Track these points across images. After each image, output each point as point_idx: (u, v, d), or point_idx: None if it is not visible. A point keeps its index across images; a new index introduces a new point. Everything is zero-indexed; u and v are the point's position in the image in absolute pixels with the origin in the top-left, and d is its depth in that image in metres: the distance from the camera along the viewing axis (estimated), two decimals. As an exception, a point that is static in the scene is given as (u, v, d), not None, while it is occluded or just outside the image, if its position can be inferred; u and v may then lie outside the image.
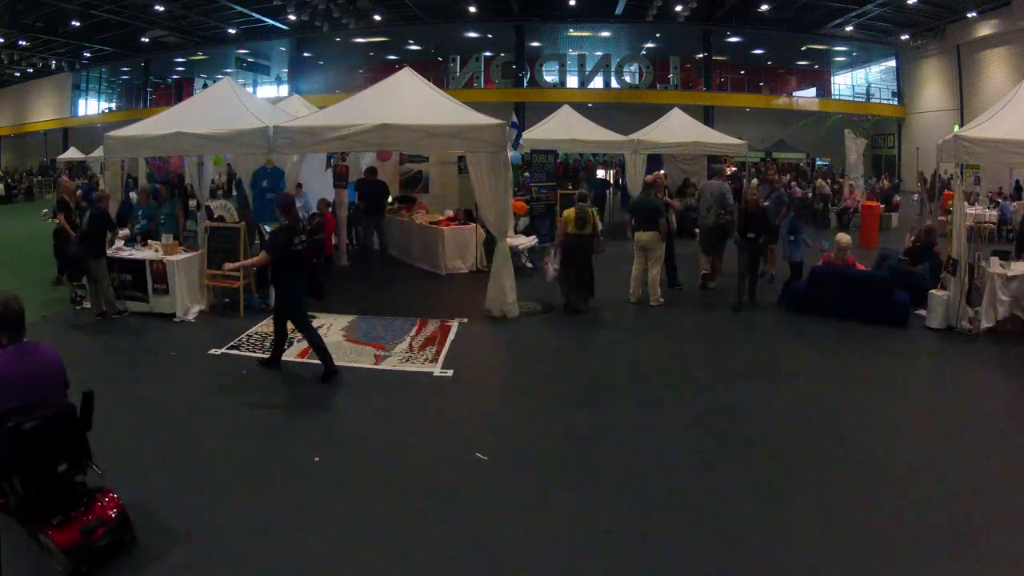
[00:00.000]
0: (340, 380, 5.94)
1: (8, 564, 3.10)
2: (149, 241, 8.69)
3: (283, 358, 6.50)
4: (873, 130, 30.60)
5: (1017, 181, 19.56)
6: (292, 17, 27.41)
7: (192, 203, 10.75)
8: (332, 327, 7.57)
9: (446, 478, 4.26)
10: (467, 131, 7.71)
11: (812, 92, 34.35)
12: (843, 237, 8.39)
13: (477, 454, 4.50)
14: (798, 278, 8.94)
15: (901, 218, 17.86)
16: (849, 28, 29.09)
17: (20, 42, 30.46)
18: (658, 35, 32.17)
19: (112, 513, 3.30)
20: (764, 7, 27.14)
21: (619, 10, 28.77)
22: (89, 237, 7.86)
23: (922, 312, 7.90)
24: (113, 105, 38.98)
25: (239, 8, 27.77)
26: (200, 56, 36.16)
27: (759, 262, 8.92)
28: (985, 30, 25.65)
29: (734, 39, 32.44)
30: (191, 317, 7.95)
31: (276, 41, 33.92)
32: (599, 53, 32.95)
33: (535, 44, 32.91)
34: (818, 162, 31.23)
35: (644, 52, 32.84)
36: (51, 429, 3.17)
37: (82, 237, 8.00)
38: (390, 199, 13.09)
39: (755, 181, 14.14)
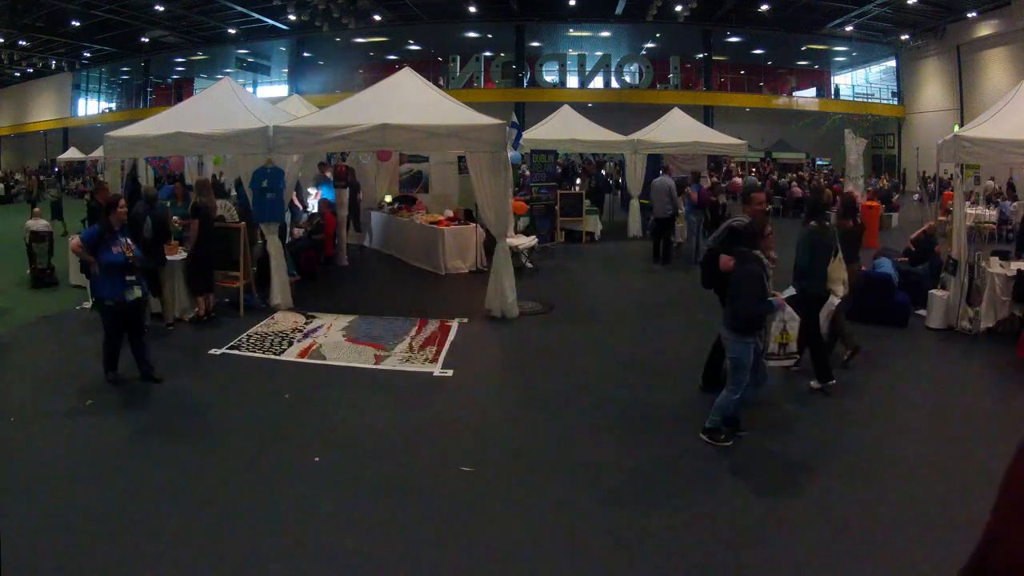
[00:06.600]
0: (340, 380, 5.93)
1: (8, 563, 3.10)
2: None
3: (283, 358, 6.52)
4: (873, 130, 30.59)
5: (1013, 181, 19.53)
6: (292, 17, 27.42)
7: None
8: (332, 327, 7.57)
9: (447, 478, 4.25)
10: (467, 131, 7.72)
11: (812, 92, 34.36)
12: None
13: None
14: None
15: (901, 218, 17.88)
16: (849, 28, 29.10)
17: (20, 42, 30.46)
18: (658, 35, 32.18)
19: None
20: (764, 7, 27.17)
21: (619, 10, 28.80)
22: (156, 243, 7.20)
23: (922, 312, 7.90)
24: (113, 105, 38.98)
25: (239, 8, 27.79)
26: (200, 56, 36.17)
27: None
28: (985, 30, 25.65)
29: (734, 39, 32.45)
30: (189, 317, 7.94)
31: (276, 41, 33.93)
32: (599, 53, 32.95)
33: (535, 44, 32.92)
34: (818, 162, 31.27)
35: (644, 52, 32.83)
36: None
37: (148, 246, 6.88)
38: (389, 199, 13.09)
39: (754, 181, 14.14)
